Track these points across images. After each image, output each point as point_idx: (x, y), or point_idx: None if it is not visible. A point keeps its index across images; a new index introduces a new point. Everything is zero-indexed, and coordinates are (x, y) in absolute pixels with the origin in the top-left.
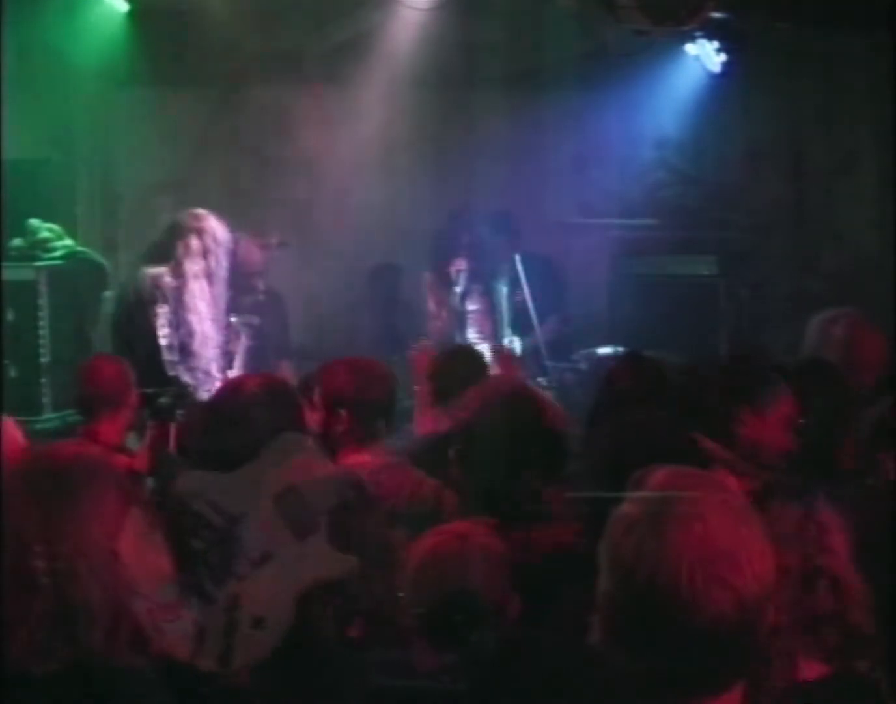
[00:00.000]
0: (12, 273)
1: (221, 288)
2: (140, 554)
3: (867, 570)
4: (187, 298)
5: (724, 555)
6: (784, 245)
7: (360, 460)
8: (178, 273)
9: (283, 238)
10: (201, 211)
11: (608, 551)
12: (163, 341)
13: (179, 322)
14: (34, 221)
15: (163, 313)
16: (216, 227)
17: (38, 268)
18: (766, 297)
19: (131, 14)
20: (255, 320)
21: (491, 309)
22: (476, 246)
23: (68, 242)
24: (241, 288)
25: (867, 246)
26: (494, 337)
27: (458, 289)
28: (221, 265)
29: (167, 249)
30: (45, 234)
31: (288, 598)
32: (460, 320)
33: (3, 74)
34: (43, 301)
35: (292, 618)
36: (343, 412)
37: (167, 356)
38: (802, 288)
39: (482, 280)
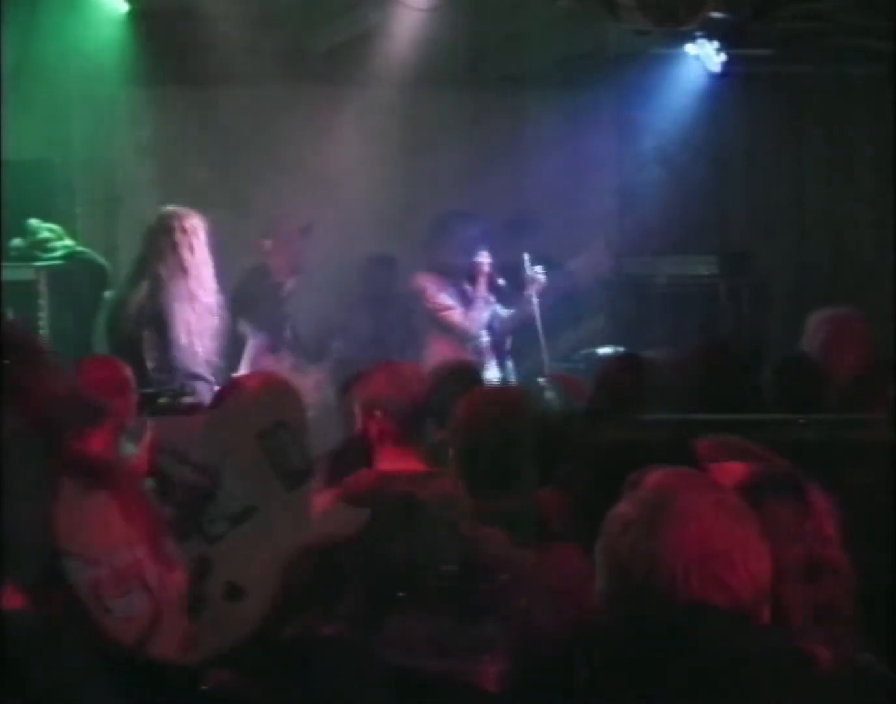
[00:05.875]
0: (12, 273)
1: (203, 275)
2: (85, 517)
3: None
4: (166, 306)
5: (719, 555)
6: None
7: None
8: (154, 278)
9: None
10: (169, 208)
11: (604, 551)
12: (150, 365)
13: (166, 342)
14: (34, 221)
15: (148, 336)
16: (184, 217)
17: (38, 268)
18: (766, 297)
19: (131, 14)
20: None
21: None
22: (492, 242)
23: (68, 242)
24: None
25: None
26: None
27: (483, 281)
28: (200, 252)
29: (145, 259)
30: (45, 234)
31: (273, 563)
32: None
33: (3, 74)
34: (43, 301)
35: (278, 589)
36: (379, 414)
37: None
38: None
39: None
